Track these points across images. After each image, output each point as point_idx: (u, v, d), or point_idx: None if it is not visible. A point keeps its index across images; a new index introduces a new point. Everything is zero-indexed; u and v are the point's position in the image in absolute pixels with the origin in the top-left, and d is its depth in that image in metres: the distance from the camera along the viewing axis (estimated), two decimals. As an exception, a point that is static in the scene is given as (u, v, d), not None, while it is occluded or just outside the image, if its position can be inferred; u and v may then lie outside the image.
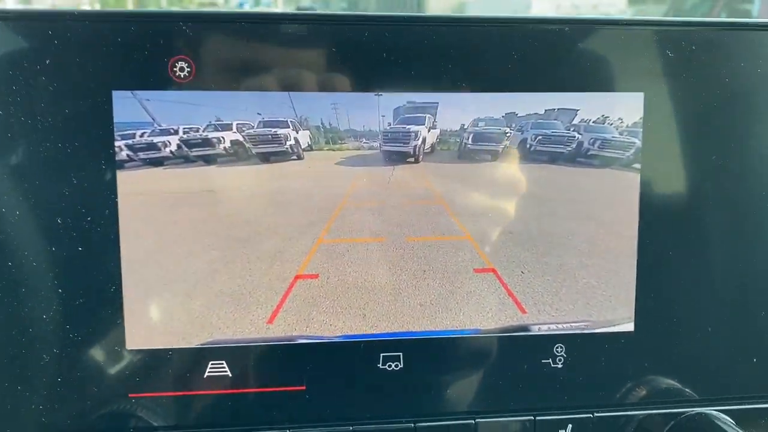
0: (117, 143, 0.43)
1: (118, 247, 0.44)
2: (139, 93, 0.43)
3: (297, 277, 0.46)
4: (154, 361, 0.45)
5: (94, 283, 0.44)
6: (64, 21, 0.42)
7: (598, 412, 0.49)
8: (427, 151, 0.46)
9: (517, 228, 0.47)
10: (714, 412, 0.50)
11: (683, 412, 0.50)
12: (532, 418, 0.48)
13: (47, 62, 0.42)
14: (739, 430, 0.48)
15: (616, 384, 0.49)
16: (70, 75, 0.42)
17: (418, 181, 0.46)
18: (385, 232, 0.46)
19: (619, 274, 0.48)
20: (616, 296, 0.48)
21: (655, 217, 0.48)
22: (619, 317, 0.48)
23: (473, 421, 0.48)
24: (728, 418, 0.49)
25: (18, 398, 0.44)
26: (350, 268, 0.46)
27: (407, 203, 0.46)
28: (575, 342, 0.48)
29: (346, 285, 0.46)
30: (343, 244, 0.46)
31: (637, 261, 0.48)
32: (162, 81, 0.43)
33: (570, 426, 0.48)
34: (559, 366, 0.48)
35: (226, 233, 0.45)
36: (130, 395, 0.45)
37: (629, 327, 0.49)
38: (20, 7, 0.42)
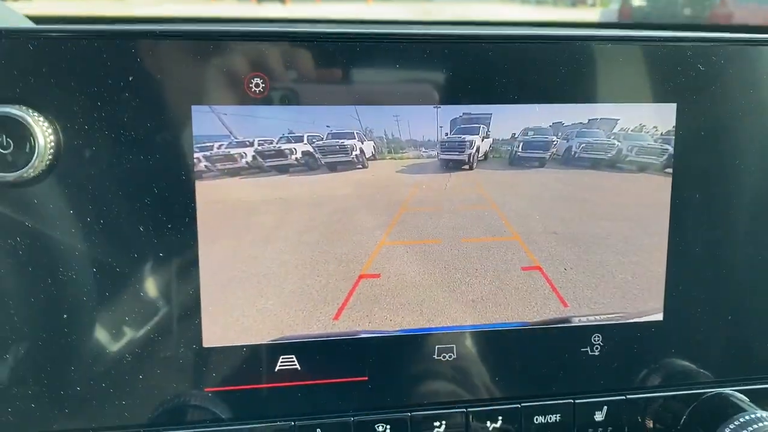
0: (196, 155, 0.46)
1: (197, 253, 0.46)
2: (217, 108, 0.45)
3: (361, 277, 0.49)
4: (229, 357, 0.48)
5: (174, 287, 0.47)
6: (146, 38, 0.44)
7: (630, 394, 0.54)
8: (480, 159, 0.50)
9: (561, 228, 0.51)
10: (730, 391, 0.55)
11: (703, 393, 0.55)
12: (572, 401, 0.53)
13: (131, 79, 0.44)
14: (753, 405, 0.53)
15: (646, 368, 0.54)
16: (152, 91, 0.45)
17: (472, 187, 0.50)
18: (441, 235, 0.50)
19: (651, 269, 0.53)
20: (648, 289, 0.53)
21: (684, 218, 0.52)
22: (650, 308, 0.53)
23: (519, 406, 0.52)
24: (744, 397, 0.55)
25: (103, 394, 0.47)
26: (409, 267, 0.50)
27: (462, 208, 0.50)
28: (611, 331, 0.53)
29: (404, 283, 0.50)
30: (403, 246, 0.49)
31: (667, 257, 0.53)
32: (238, 96, 0.45)
33: (605, 408, 0.53)
34: (596, 353, 0.53)
35: (297, 238, 0.48)
36: (206, 389, 0.48)
37: (659, 317, 0.53)
38: (105, 26, 0.44)
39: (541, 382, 0.53)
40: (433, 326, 0.51)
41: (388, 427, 0.50)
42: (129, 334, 0.47)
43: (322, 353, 0.50)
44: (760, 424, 0.50)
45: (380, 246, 0.49)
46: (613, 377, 0.54)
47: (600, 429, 0.53)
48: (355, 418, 0.50)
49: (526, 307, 0.51)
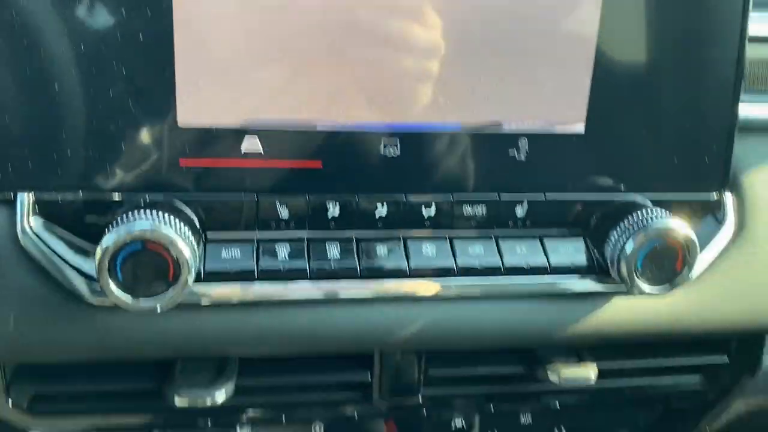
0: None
1: (172, 35, 0.53)
2: None
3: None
4: (201, 135, 0.56)
5: (151, 69, 0.53)
6: None
7: (549, 193, 0.62)
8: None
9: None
10: (639, 198, 0.64)
11: (614, 200, 0.64)
12: (497, 195, 0.61)
13: None
14: (659, 209, 0.61)
15: (566, 175, 0.62)
16: None
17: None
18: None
19: (576, 82, 0.60)
20: (572, 102, 0.60)
21: (611, 34, 0.58)
22: (572, 118, 0.61)
23: (451, 196, 0.61)
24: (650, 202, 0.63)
25: (90, 159, 0.55)
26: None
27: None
28: (536, 139, 0.61)
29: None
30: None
31: (593, 71, 0.59)
32: None
33: (526, 202, 0.62)
34: (522, 158, 0.61)
35: (280, 31, 0.54)
36: (181, 163, 0.56)
37: (581, 128, 0.61)
38: None
39: (474, 177, 0.61)
40: (381, 122, 0.58)
41: (338, 204, 0.59)
42: (111, 107, 0.54)
43: (283, 139, 0.57)
44: (654, 218, 0.59)
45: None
46: (535, 179, 0.62)
47: (520, 223, 0.62)
48: (310, 196, 0.59)
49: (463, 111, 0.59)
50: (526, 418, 0.75)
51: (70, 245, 0.56)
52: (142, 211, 0.53)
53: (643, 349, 0.74)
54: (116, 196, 0.56)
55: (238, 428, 0.70)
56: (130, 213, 0.53)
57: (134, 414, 0.67)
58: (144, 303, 0.53)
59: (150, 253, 0.52)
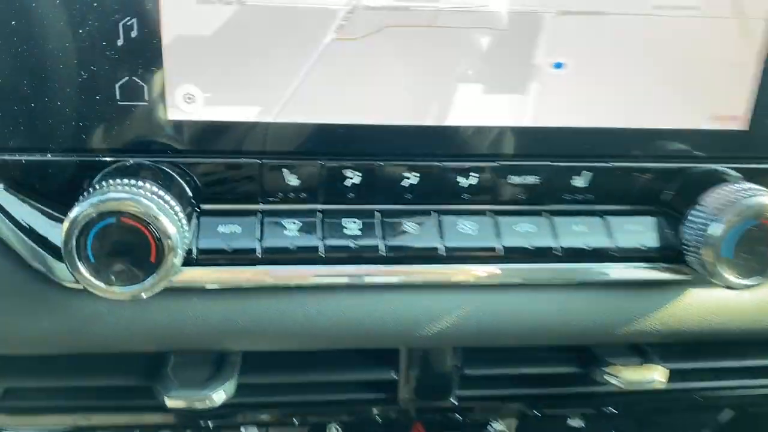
0: None
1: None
2: None
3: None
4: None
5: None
6: None
7: (613, 160, 0.51)
8: None
9: None
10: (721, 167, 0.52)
11: (693, 169, 0.52)
12: (550, 161, 0.51)
13: None
14: (751, 183, 0.50)
15: (635, 138, 0.51)
16: None
17: None
18: None
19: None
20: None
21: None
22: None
23: (495, 162, 0.50)
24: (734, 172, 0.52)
25: (57, 117, 0.45)
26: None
27: None
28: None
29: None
30: None
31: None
32: None
33: (585, 171, 0.51)
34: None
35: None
36: (170, 116, 0.46)
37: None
38: None
39: (521, 142, 0.50)
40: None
41: (358, 171, 0.49)
42: (86, 53, 0.44)
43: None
44: (747, 194, 0.48)
45: None
46: (597, 144, 0.51)
47: (578, 196, 0.52)
48: (324, 161, 0.49)
49: (512, 57, 0.48)
50: (575, 423, 0.65)
51: (37, 214, 0.47)
52: (119, 177, 0.43)
53: (712, 347, 0.63)
54: (92, 159, 0.46)
55: (242, 430, 0.61)
56: (105, 180, 0.43)
57: (121, 413, 0.58)
58: (119, 290, 0.43)
59: (126, 229, 0.42)
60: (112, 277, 0.43)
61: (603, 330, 0.53)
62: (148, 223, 0.42)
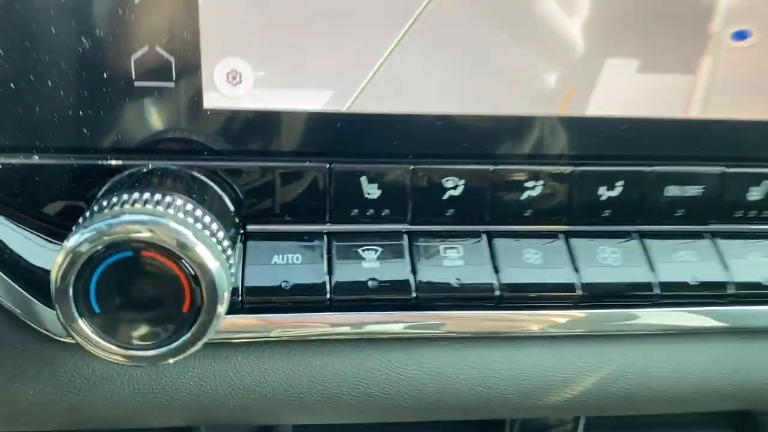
0: None
1: None
2: None
3: None
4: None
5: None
6: None
7: None
8: None
9: None
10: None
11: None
12: (721, 168, 0.37)
13: None
14: None
15: None
16: None
17: None
18: None
19: None
20: None
21: None
22: None
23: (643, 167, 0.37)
24: None
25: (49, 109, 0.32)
26: None
27: None
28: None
29: None
30: None
31: None
32: None
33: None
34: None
35: None
36: (205, 105, 0.33)
37: None
38: None
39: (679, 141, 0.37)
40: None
41: (465, 180, 0.35)
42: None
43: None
44: None
45: None
46: None
47: (752, 213, 0.38)
48: (418, 164, 0.35)
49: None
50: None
51: (21, 238, 0.34)
52: (135, 189, 0.30)
53: None
54: (97, 163, 0.33)
55: None
56: (115, 194, 0.30)
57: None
58: (138, 354, 0.30)
59: (149, 267, 0.29)
60: (125, 335, 0.30)
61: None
62: (180, 257, 0.29)
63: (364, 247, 0.36)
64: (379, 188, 0.36)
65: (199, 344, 0.30)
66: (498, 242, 0.37)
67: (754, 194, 0.38)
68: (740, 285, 0.37)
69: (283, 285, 0.34)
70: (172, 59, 0.32)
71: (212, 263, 0.29)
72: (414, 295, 0.35)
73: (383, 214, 0.36)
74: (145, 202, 0.30)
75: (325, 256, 0.35)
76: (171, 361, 0.30)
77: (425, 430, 0.45)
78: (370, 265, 0.35)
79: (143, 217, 0.29)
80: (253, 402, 0.36)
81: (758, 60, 0.36)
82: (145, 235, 0.29)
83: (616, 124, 0.36)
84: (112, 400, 0.35)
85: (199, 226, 0.30)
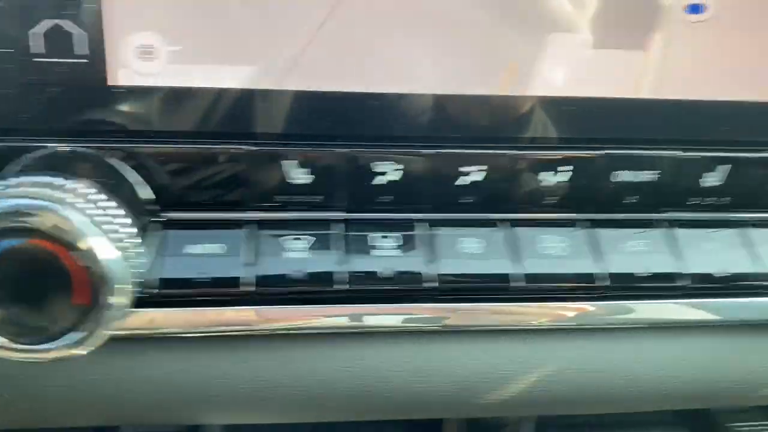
0: None
1: None
2: None
3: None
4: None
5: None
6: None
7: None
8: None
9: None
10: None
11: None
12: (678, 151, 0.35)
13: None
14: None
15: None
16: None
17: None
18: None
19: None
20: None
21: None
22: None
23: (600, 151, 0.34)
24: None
25: None
26: None
27: None
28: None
29: None
30: None
31: None
32: None
33: (721, 165, 0.35)
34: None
35: None
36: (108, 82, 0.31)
37: None
38: None
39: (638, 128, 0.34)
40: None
41: (395, 165, 0.33)
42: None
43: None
44: None
45: None
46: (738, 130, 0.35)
47: (710, 200, 0.36)
48: (347, 149, 0.33)
49: None
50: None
51: None
52: (29, 172, 0.28)
53: None
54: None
55: None
56: (11, 176, 0.28)
57: None
58: (29, 348, 0.28)
59: (39, 255, 0.27)
60: (15, 329, 0.27)
61: (742, 388, 0.37)
62: (73, 245, 0.26)
63: (290, 236, 0.33)
64: (308, 173, 0.33)
65: (98, 339, 0.28)
66: (438, 231, 0.34)
67: (708, 179, 0.35)
68: (693, 276, 0.35)
69: (200, 276, 0.32)
70: (72, 32, 0.29)
71: (106, 252, 0.27)
72: (343, 285, 0.32)
73: (314, 201, 0.34)
74: (41, 184, 0.28)
75: (248, 246, 0.33)
76: (67, 355, 0.28)
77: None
78: (297, 255, 0.33)
79: (34, 201, 0.27)
80: (171, 401, 0.34)
81: (714, 36, 0.33)
82: (33, 220, 0.26)
83: (560, 104, 0.33)
84: (26, 398, 0.33)
85: (97, 212, 0.28)
